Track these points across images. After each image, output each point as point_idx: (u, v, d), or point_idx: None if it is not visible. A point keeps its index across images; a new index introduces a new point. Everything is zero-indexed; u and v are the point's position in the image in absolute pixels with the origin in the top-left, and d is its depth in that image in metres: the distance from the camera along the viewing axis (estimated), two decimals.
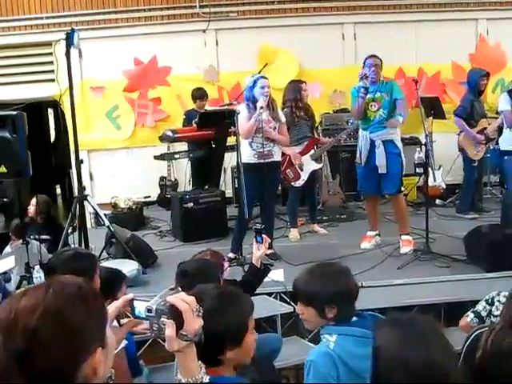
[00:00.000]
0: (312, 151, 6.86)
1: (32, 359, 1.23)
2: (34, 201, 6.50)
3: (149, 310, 1.51)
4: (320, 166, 7.08)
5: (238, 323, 2.07)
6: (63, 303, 1.30)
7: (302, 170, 6.76)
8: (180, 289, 1.58)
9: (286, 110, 6.55)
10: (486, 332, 2.45)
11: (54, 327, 1.25)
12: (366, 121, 6.04)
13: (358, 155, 6.11)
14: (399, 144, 6.09)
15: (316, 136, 7.07)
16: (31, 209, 6.45)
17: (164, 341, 1.51)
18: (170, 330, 1.47)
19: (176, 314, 1.48)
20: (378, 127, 5.97)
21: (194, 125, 7.57)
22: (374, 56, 5.96)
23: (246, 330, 2.10)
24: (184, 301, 1.50)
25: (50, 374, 1.24)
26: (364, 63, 5.96)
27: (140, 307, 1.58)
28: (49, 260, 3.50)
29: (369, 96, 5.89)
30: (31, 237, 6.06)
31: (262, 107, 5.70)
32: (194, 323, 1.49)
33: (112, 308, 1.76)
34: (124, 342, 2.92)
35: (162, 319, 1.48)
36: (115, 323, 1.96)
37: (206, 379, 1.56)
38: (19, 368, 1.22)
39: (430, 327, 1.89)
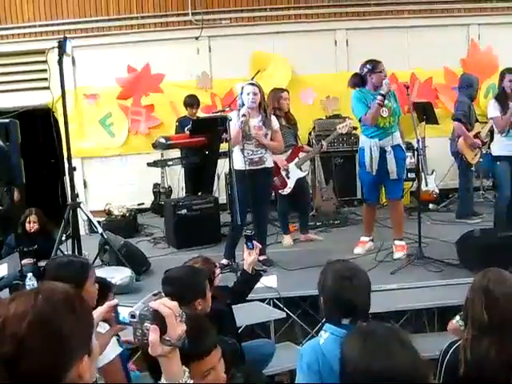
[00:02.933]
0: (296, 159, 6.86)
1: (19, 365, 1.23)
2: (33, 217, 6.50)
3: (132, 316, 1.51)
4: (304, 173, 7.01)
5: None
6: (52, 311, 1.30)
7: (288, 178, 6.76)
8: (163, 294, 1.58)
9: None
10: (461, 345, 2.50)
11: (42, 335, 1.26)
12: (375, 128, 5.87)
13: (367, 164, 5.92)
14: (404, 148, 6.11)
15: (299, 144, 7.05)
16: (33, 225, 6.47)
17: (147, 346, 1.51)
18: (153, 335, 1.48)
19: (159, 320, 1.49)
20: (387, 133, 5.89)
21: (187, 132, 7.57)
22: (380, 61, 5.89)
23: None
24: (167, 306, 1.50)
25: (36, 380, 1.25)
26: (375, 69, 5.83)
27: (124, 313, 1.59)
28: (45, 267, 3.51)
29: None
30: (24, 249, 6.10)
31: (244, 115, 5.68)
32: (177, 328, 1.50)
33: (96, 314, 1.76)
34: (119, 349, 2.92)
35: (146, 324, 1.49)
36: (99, 329, 1.96)
37: (190, 382, 1.56)
38: (6, 373, 1.23)
39: (392, 335, 1.91)
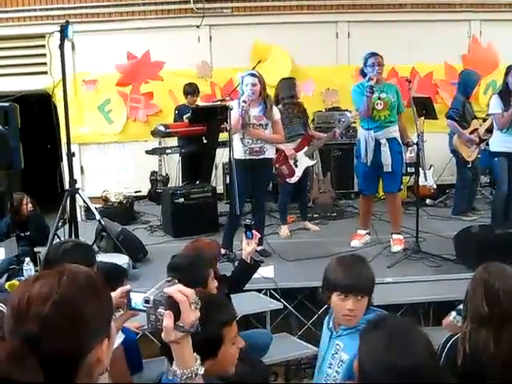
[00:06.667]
0: (306, 148, 6.87)
1: (41, 344, 1.25)
2: (24, 201, 6.49)
3: (146, 301, 1.51)
4: (314, 162, 7.07)
5: (213, 335, 2.06)
6: (77, 293, 1.32)
7: (296, 167, 6.77)
8: (177, 280, 1.58)
9: (280, 107, 6.50)
10: (460, 337, 2.52)
11: (65, 316, 1.28)
12: (370, 120, 5.91)
13: (362, 155, 5.98)
14: (401, 142, 6.10)
15: (310, 132, 7.06)
16: (23, 208, 6.47)
17: (158, 332, 1.52)
18: (168, 320, 1.48)
19: (173, 306, 1.49)
20: (382, 127, 5.92)
21: (186, 120, 7.55)
22: (376, 54, 5.89)
23: (221, 342, 2.12)
24: (182, 292, 1.51)
25: (57, 360, 1.26)
26: (366, 63, 5.87)
27: (136, 299, 1.59)
28: (47, 252, 3.49)
29: (374, 95, 5.80)
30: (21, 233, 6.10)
31: (244, 101, 5.64)
32: (191, 315, 1.50)
33: None
34: (122, 337, 2.92)
35: (160, 310, 1.49)
36: None
37: (201, 371, 1.56)
38: (31, 352, 1.24)
39: (411, 331, 1.92)
